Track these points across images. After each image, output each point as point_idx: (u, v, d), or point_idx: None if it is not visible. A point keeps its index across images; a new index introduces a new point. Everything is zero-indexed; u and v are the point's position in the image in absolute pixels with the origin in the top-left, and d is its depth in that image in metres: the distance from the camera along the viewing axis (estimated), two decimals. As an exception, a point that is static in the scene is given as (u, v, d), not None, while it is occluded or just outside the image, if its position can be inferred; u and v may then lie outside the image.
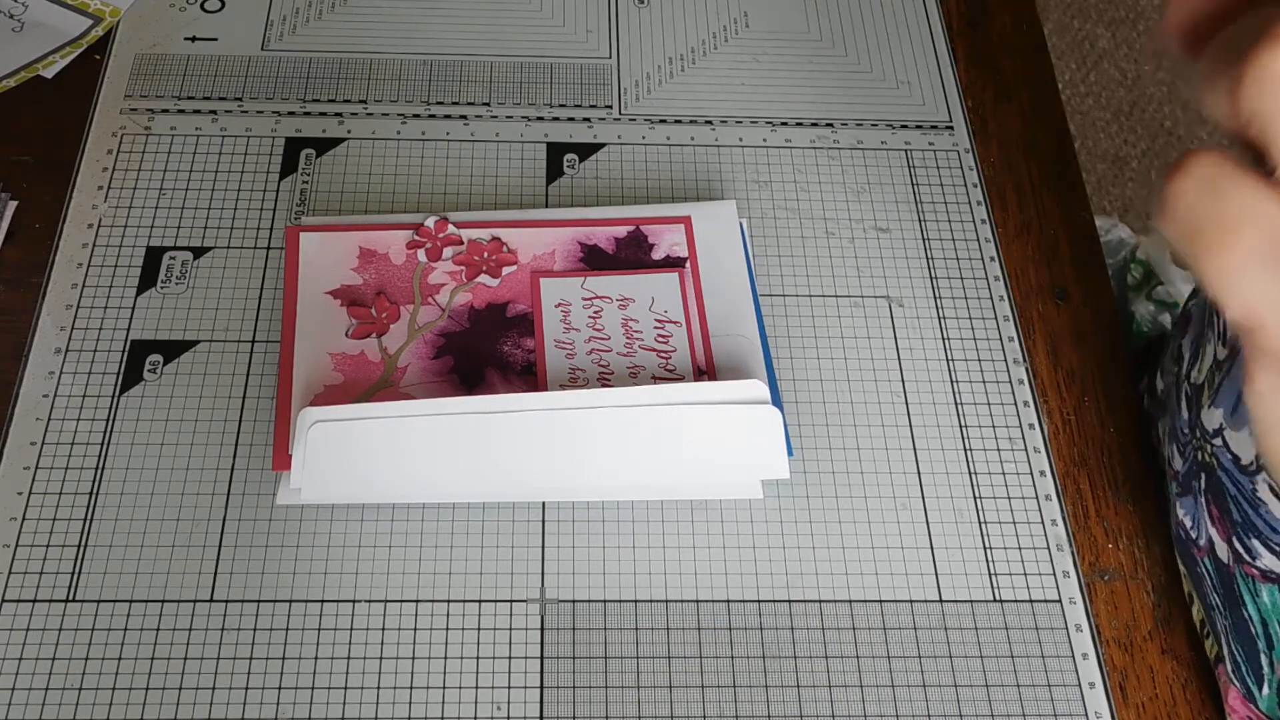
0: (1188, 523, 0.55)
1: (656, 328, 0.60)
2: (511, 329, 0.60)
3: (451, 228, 0.63)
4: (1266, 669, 0.51)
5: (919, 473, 0.58)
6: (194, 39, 0.72)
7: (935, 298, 0.64)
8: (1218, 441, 0.52)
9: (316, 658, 0.51)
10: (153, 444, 0.57)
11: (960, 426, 0.60)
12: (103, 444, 0.56)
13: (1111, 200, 1.57)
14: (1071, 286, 0.66)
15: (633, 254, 0.63)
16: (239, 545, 0.54)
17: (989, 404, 0.61)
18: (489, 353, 0.59)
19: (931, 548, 0.56)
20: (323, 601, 0.53)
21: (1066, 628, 0.54)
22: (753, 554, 0.55)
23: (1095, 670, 0.53)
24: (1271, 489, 0.49)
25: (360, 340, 0.59)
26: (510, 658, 0.52)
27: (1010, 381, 0.61)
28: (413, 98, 0.70)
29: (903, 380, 0.61)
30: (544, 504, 0.56)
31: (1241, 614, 0.52)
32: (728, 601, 0.54)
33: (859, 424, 0.59)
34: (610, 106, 0.71)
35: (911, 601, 0.54)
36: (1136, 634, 0.55)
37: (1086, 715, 0.52)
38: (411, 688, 0.51)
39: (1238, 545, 0.51)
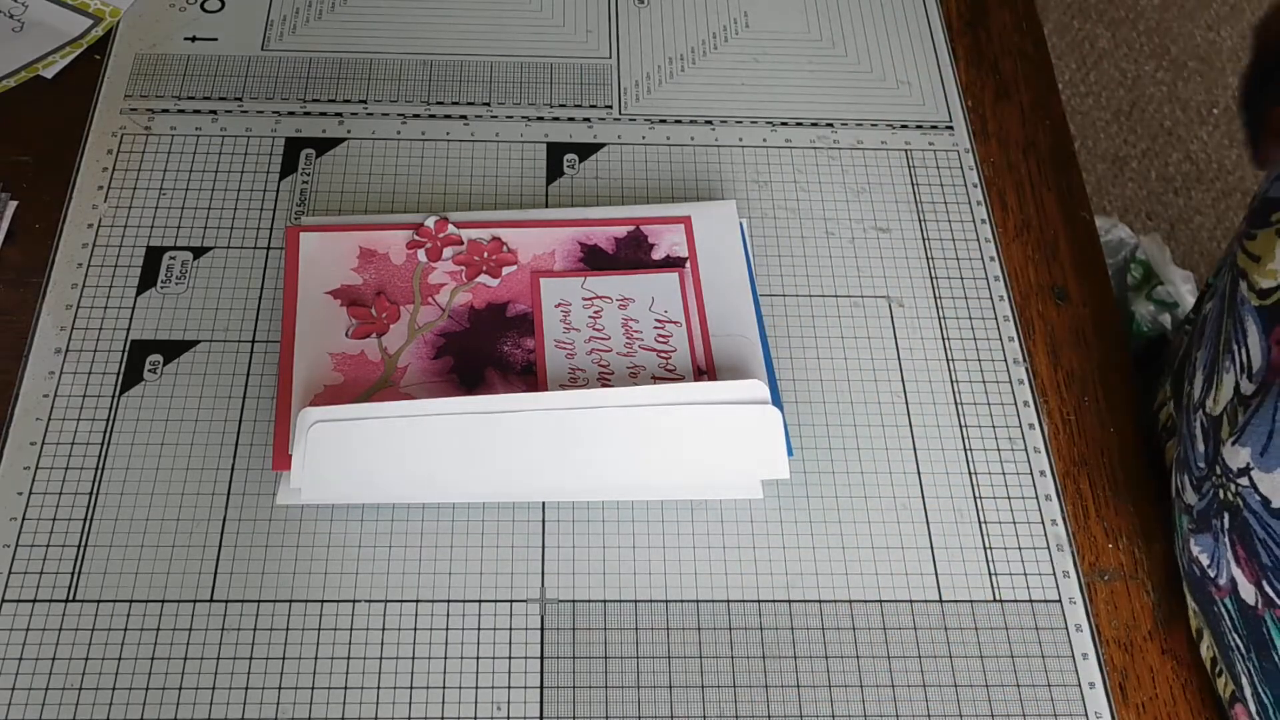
0: (1204, 560, 0.53)
1: (656, 328, 0.60)
2: (511, 329, 0.60)
3: (451, 228, 0.63)
4: None
5: (919, 473, 0.58)
6: (194, 39, 0.72)
7: (935, 298, 0.64)
8: (1244, 481, 0.50)
9: (316, 658, 0.51)
10: (153, 444, 0.57)
11: (960, 426, 0.60)
12: (103, 444, 0.56)
13: (1111, 200, 1.57)
14: (1071, 286, 0.66)
15: (633, 254, 0.63)
16: (239, 545, 0.54)
17: (989, 404, 0.61)
18: (489, 353, 0.59)
19: (931, 548, 0.56)
20: (323, 601, 0.53)
21: (1066, 628, 0.54)
22: (753, 554, 0.55)
23: (1095, 670, 0.53)
24: None
25: (360, 340, 0.59)
26: (510, 658, 0.52)
27: (1010, 381, 0.61)
28: (413, 98, 0.70)
29: (903, 380, 0.61)
30: (544, 504, 0.56)
31: (1273, 658, 0.50)
32: (728, 601, 0.54)
33: (859, 424, 0.59)
34: (610, 106, 0.71)
35: (911, 601, 0.54)
36: (1136, 634, 0.55)
37: (1086, 715, 0.52)
38: (411, 688, 0.51)
39: (1269, 589, 0.50)
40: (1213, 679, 0.54)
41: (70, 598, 0.52)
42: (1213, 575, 0.53)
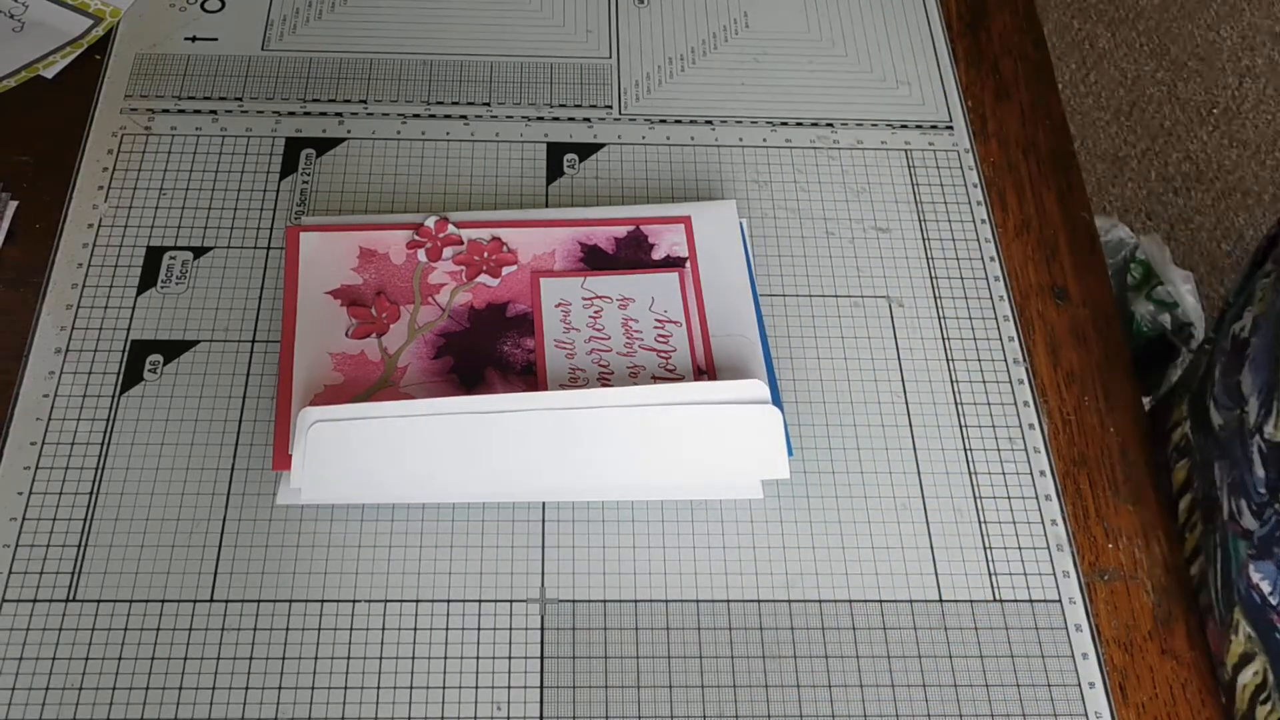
0: (1266, 587, 0.53)
1: (656, 327, 0.60)
2: (511, 329, 0.60)
3: (451, 228, 0.63)
4: None
5: (919, 473, 0.58)
6: (194, 39, 0.72)
7: (935, 298, 0.64)
8: None
9: (316, 658, 0.51)
10: (153, 444, 0.57)
11: (960, 426, 0.60)
12: (103, 444, 0.56)
13: (1111, 200, 1.57)
14: (1071, 286, 0.66)
15: (633, 254, 0.63)
16: (239, 545, 0.54)
17: (989, 404, 0.61)
18: (489, 353, 0.59)
19: (931, 548, 0.56)
20: (323, 601, 0.53)
21: (1066, 628, 0.54)
22: (753, 554, 0.55)
23: (1095, 670, 0.53)
24: None
25: (360, 340, 0.59)
26: (510, 658, 0.52)
27: (1010, 381, 0.61)
28: (413, 98, 0.70)
29: (903, 380, 0.61)
30: (544, 504, 0.56)
31: None
32: (728, 601, 0.54)
33: (859, 424, 0.59)
34: (610, 106, 0.71)
35: (911, 601, 0.54)
36: (1136, 634, 0.55)
37: (1086, 715, 0.52)
38: (411, 688, 0.51)
39: None
40: (1249, 704, 0.53)
41: (70, 598, 0.52)
42: (1274, 603, 0.53)
